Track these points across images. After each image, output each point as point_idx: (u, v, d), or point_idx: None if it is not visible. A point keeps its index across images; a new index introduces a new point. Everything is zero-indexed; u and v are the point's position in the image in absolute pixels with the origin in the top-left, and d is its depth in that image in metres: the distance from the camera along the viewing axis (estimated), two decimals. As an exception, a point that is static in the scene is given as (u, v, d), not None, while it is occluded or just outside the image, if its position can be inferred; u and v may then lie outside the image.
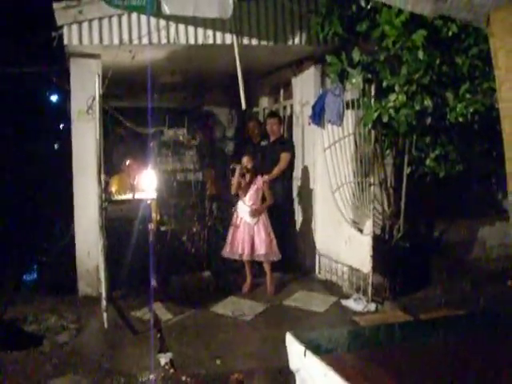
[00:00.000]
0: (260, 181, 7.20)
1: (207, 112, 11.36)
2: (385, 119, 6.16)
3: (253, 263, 7.35)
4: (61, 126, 18.48)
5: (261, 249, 7.09)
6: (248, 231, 7.12)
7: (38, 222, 10.63)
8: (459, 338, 4.05)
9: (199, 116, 11.04)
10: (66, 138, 9.78)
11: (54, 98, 20.49)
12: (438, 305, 6.60)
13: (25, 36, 12.49)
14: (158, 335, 5.87)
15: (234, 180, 7.16)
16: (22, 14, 12.99)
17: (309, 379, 3.56)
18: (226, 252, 7.25)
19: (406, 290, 6.93)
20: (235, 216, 7.26)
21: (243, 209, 7.16)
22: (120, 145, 8.96)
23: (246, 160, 7.17)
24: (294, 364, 3.81)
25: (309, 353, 3.54)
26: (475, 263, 7.75)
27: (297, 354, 3.71)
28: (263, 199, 7.23)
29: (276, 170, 7.92)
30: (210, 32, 6.80)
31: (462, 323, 4.76)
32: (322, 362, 3.39)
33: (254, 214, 7.10)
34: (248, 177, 7.16)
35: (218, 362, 5.24)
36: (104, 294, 5.95)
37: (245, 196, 7.18)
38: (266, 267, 7.24)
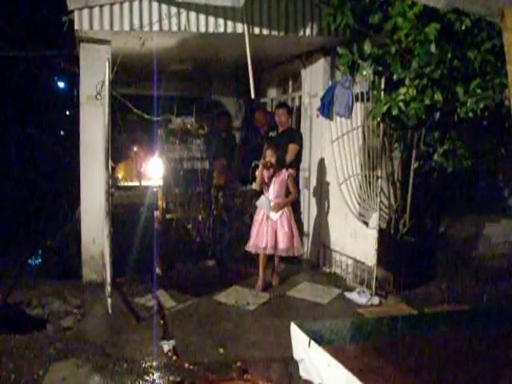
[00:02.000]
0: (285, 174, 7.08)
1: (216, 103, 11.36)
2: (394, 112, 6.13)
3: (269, 259, 7.18)
4: (67, 111, 18.48)
5: (282, 243, 6.97)
6: (271, 225, 6.97)
7: (43, 207, 10.64)
8: (462, 332, 4.06)
9: (208, 105, 11.04)
10: (72, 123, 9.80)
11: (60, 83, 20.46)
12: (442, 300, 6.59)
13: (34, 19, 12.47)
14: (162, 322, 5.89)
15: (258, 174, 7.02)
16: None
17: (312, 369, 3.57)
18: (249, 246, 7.09)
19: (409, 285, 6.92)
20: (257, 210, 7.13)
21: (266, 203, 7.01)
22: (127, 131, 8.94)
23: (269, 153, 7.02)
24: (298, 354, 3.84)
25: (313, 343, 3.56)
26: (480, 260, 7.73)
27: (301, 344, 3.73)
28: (287, 193, 7.12)
29: (284, 161, 7.89)
30: (221, 20, 6.77)
31: (465, 318, 4.77)
32: (326, 352, 3.40)
33: (278, 207, 6.97)
34: (271, 170, 7.02)
35: (221, 350, 5.25)
36: (108, 280, 5.95)
37: (268, 190, 7.05)
38: (276, 259, 7.20)
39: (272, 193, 7.04)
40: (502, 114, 6.03)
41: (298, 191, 8.37)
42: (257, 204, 7.15)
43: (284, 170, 7.10)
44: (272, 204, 6.99)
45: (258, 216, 7.09)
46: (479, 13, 3.94)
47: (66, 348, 5.22)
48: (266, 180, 7.02)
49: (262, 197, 7.08)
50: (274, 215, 6.99)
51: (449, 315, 5.37)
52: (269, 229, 6.95)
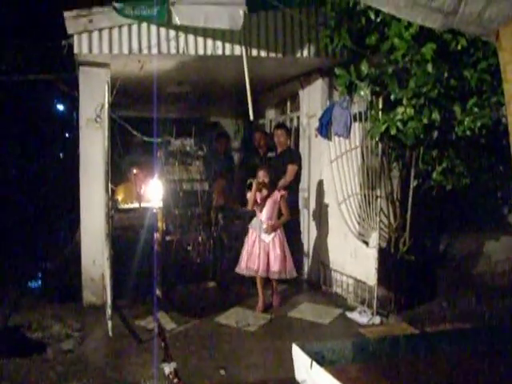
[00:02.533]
0: (277, 195, 7.00)
1: (215, 124, 11.41)
2: (392, 132, 6.16)
3: (266, 281, 7.09)
4: (66, 134, 18.56)
5: (275, 266, 6.84)
6: (263, 247, 6.87)
7: (43, 229, 10.64)
8: (464, 351, 4.04)
9: (206, 126, 11.10)
10: (71, 146, 9.85)
11: (60, 106, 20.56)
12: (443, 319, 6.57)
13: (34, 44, 12.55)
14: (163, 344, 5.86)
15: (251, 195, 6.91)
16: (32, 22, 13.08)
17: (315, 390, 3.55)
18: (240, 268, 6.99)
19: (411, 304, 6.90)
20: (250, 232, 7.05)
21: (258, 225, 6.96)
22: (127, 154, 8.99)
23: (262, 174, 6.94)
24: (300, 375, 3.82)
25: (315, 364, 3.55)
26: (480, 277, 7.71)
27: (303, 365, 3.71)
28: (279, 214, 7.03)
29: (282, 182, 7.90)
30: (219, 43, 6.83)
31: (468, 337, 4.75)
32: (328, 373, 3.39)
33: (270, 229, 6.88)
34: (264, 191, 6.95)
35: (222, 372, 5.22)
36: (109, 302, 5.94)
37: (261, 211, 6.98)
38: (274, 282, 7.09)
39: (264, 214, 6.97)
40: (500, 131, 6.07)
41: (298, 211, 8.39)
42: (249, 226, 7.09)
43: (276, 192, 7.03)
44: (264, 226, 6.92)
45: (250, 238, 7.00)
46: (475, 33, 3.97)
47: (66, 371, 5.20)
48: (259, 201, 6.96)
49: (255, 219, 7.05)
50: (267, 237, 6.91)
51: (451, 334, 5.35)
52: (261, 251, 6.86)
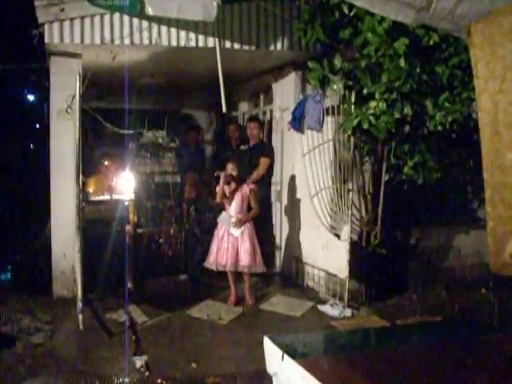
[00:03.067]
0: (246, 188, 6.89)
1: (187, 116, 11.35)
2: (365, 126, 6.19)
3: (239, 275, 7.02)
4: (37, 125, 18.31)
5: (245, 260, 6.76)
6: (232, 241, 6.78)
7: (12, 221, 10.50)
8: (434, 343, 4.09)
9: (179, 119, 11.03)
10: (42, 137, 9.71)
11: (30, 96, 20.27)
12: (414, 311, 6.64)
13: (3, 32, 12.35)
14: (134, 338, 5.83)
15: (219, 188, 6.81)
16: (1, 10, 12.84)
17: (286, 383, 3.56)
18: (209, 263, 6.90)
19: (381, 296, 6.97)
20: (219, 226, 6.96)
21: (227, 219, 6.87)
22: (98, 145, 8.89)
23: (230, 167, 6.84)
24: (271, 367, 3.82)
25: (286, 356, 3.55)
26: (450, 271, 7.82)
27: (274, 358, 3.71)
28: (249, 208, 6.95)
29: (255, 175, 7.89)
30: (192, 35, 6.80)
31: (437, 329, 4.80)
32: (299, 365, 3.39)
33: (239, 223, 6.80)
34: (233, 185, 6.86)
35: (194, 365, 5.22)
36: (79, 296, 5.89)
37: (230, 205, 6.88)
38: (245, 277, 7.00)
39: (233, 208, 6.87)
40: (470, 126, 6.14)
41: (270, 204, 8.40)
42: (218, 220, 7.01)
43: (245, 185, 6.93)
44: (233, 220, 6.84)
45: (219, 232, 6.90)
46: (447, 29, 4.00)
47: (36, 365, 5.15)
48: (228, 194, 6.86)
49: (223, 212, 6.96)
50: (236, 231, 6.82)
51: (421, 327, 5.40)
52: (229, 245, 6.78)
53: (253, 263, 6.84)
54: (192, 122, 11.23)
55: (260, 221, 7.44)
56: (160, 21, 6.62)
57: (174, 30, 6.75)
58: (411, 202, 7.28)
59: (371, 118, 6.16)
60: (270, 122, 9.08)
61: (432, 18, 3.76)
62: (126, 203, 7.68)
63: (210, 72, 6.94)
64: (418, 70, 5.98)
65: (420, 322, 6.16)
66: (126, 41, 6.65)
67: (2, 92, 16.16)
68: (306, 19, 6.76)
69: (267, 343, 3.87)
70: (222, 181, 6.78)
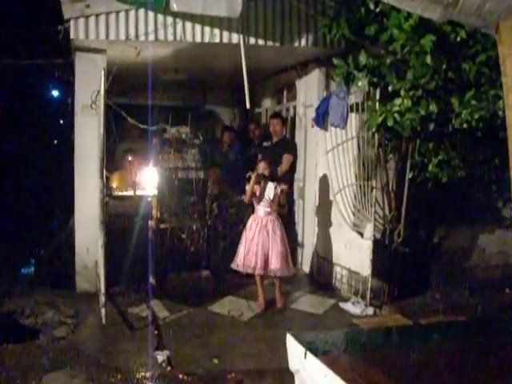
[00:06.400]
0: (277, 189, 6.70)
1: (211, 113, 11.38)
2: (389, 123, 6.13)
3: (264, 277, 6.80)
4: (61, 121, 18.43)
5: (275, 263, 6.52)
6: (262, 243, 6.53)
7: (37, 216, 10.60)
8: (457, 343, 4.05)
9: (202, 114, 11.05)
10: (66, 132, 9.78)
11: (55, 92, 20.40)
12: (436, 310, 6.60)
13: (30, 28, 12.45)
14: (156, 332, 5.86)
15: (249, 187, 6.62)
16: (28, 5, 12.96)
17: (308, 380, 3.55)
18: (237, 264, 6.66)
19: (404, 295, 6.93)
20: (247, 227, 6.73)
21: (260, 211, 6.67)
22: (122, 141, 8.94)
23: (262, 166, 6.68)
24: (293, 365, 3.80)
25: (309, 354, 3.54)
26: (474, 270, 7.75)
27: (297, 355, 3.70)
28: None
29: (278, 172, 7.88)
30: (216, 30, 6.78)
31: (460, 329, 4.76)
32: (322, 363, 3.38)
33: (274, 208, 6.58)
34: (263, 183, 6.67)
35: (215, 361, 5.23)
36: (102, 290, 5.92)
37: (259, 204, 6.69)
38: (276, 280, 6.78)
39: (263, 206, 6.70)
40: (496, 124, 6.06)
41: (293, 201, 8.38)
42: (251, 221, 6.75)
43: (277, 185, 6.72)
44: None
45: (248, 233, 6.66)
46: (474, 25, 3.95)
47: (59, 358, 5.20)
48: (258, 194, 6.67)
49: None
50: (266, 213, 6.63)
51: (444, 326, 5.35)
52: (259, 248, 6.53)
53: (284, 267, 6.61)
54: (215, 118, 11.25)
55: (282, 217, 7.42)
56: (184, 17, 6.62)
57: (198, 26, 6.75)
58: (435, 200, 7.21)
59: (396, 115, 6.10)
60: (294, 118, 9.05)
61: (459, 14, 3.72)
62: (149, 199, 7.72)
63: (234, 68, 6.93)
64: (444, 66, 5.90)
65: (443, 322, 6.11)
66: (151, 37, 6.65)
67: (27, 87, 16.28)
68: (331, 15, 6.71)
69: (290, 340, 3.86)
70: (252, 180, 6.61)
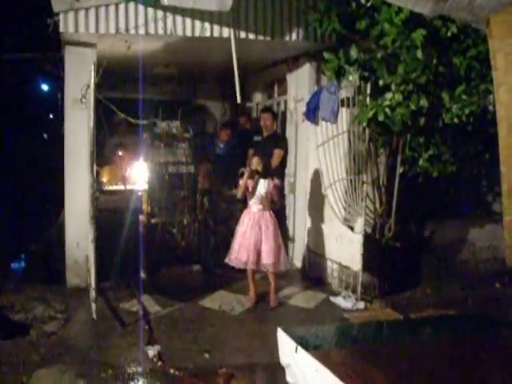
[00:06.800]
0: (270, 184, 6.66)
1: (201, 107, 11.36)
2: (380, 118, 6.13)
3: (256, 272, 6.76)
4: (51, 115, 18.33)
5: (268, 258, 6.46)
6: (255, 237, 6.47)
7: (27, 211, 10.55)
8: (447, 337, 4.07)
9: (193, 109, 11.02)
10: (56, 126, 9.73)
11: (45, 86, 20.29)
12: (427, 305, 6.63)
13: (19, 22, 12.37)
14: (147, 327, 5.85)
15: (242, 182, 6.61)
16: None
17: (299, 375, 3.56)
18: (230, 259, 6.60)
19: (394, 289, 6.95)
20: (240, 222, 6.70)
21: (253, 207, 6.62)
22: (112, 135, 8.90)
23: (255, 162, 6.62)
24: (284, 359, 3.82)
25: (300, 348, 3.55)
26: (464, 264, 7.78)
27: (288, 349, 3.72)
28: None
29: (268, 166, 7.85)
30: (207, 24, 6.76)
31: (450, 323, 4.79)
32: (313, 357, 3.39)
33: (265, 203, 6.54)
34: (256, 178, 6.60)
35: (206, 355, 5.23)
36: (93, 285, 5.90)
37: (251, 200, 6.62)
38: (271, 276, 6.67)
39: (256, 201, 6.65)
40: (487, 119, 6.08)
41: (283, 196, 8.37)
42: (244, 216, 6.73)
43: (269, 181, 6.68)
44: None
45: (241, 228, 6.65)
46: (465, 19, 3.96)
47: (49, 354, 5.18)
48: (250, 189, 6.63)
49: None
50: (258, 209, 6.59)
51: (434, 320, 5.39)
52: (251, 242, 6.47)
53: (276, 262, 6.55)
54: (206, 113, 11.23)
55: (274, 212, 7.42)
56: (175, 10, 6.59)
57: (188, 20, 6.72)
58: (426, 194, 7.23)
59: (387, 109, 6.11)
60: (284, 113, 9.04)
61: (450, 9, 3.73)
62: (140, 193, 7.70)
63: (225, 62, 6.93)
64: (434, 61, 5.92)
65: (433, 316, 6.14)
66: (141, 30, 6.62)
67: (17, 81, 16.18)
68: (321, 9, 6.69)
69: (281, 335, 3.87)
70: (245, 175, 6.60)
